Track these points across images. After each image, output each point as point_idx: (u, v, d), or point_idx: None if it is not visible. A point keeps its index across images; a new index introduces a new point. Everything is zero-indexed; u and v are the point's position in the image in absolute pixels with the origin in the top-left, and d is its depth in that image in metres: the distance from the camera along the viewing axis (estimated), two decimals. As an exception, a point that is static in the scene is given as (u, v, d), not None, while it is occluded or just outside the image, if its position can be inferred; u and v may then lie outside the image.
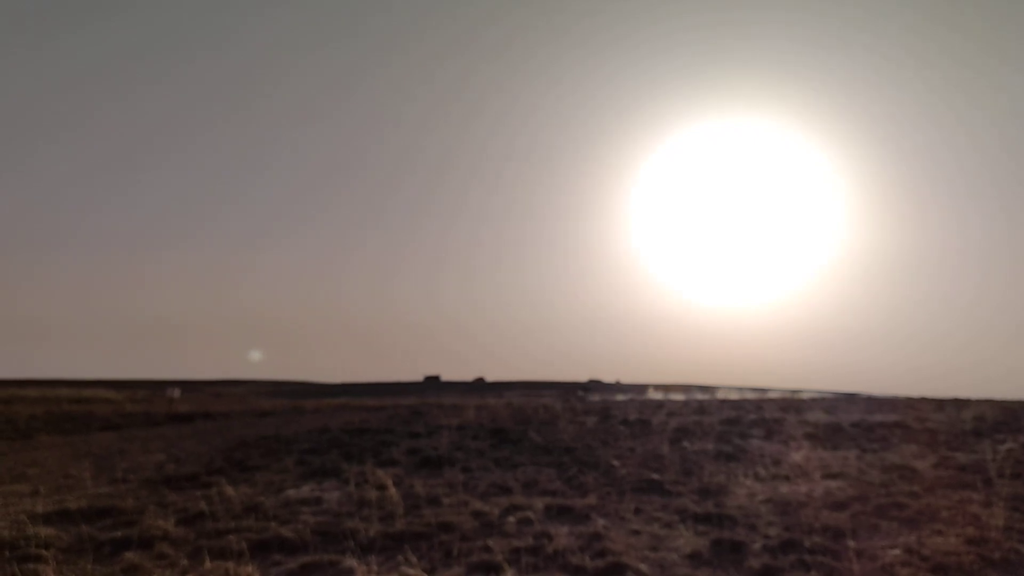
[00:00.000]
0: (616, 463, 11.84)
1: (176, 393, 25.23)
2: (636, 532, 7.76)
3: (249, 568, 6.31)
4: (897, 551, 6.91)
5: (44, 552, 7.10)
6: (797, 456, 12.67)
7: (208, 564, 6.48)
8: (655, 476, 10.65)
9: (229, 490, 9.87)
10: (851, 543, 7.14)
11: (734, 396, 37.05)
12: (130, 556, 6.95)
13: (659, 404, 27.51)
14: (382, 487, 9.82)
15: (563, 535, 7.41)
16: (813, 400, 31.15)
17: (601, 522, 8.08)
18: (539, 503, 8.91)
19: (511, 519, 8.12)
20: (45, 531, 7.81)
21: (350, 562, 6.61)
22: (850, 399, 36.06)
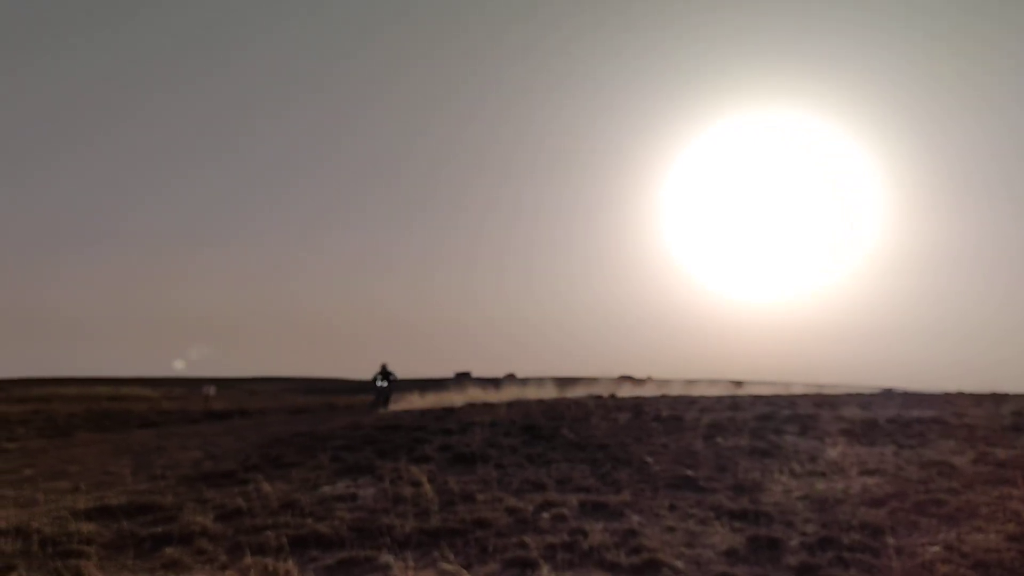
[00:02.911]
0: (649, 459, 11.81)
1: (212, 390, 25.59)
2: (671, 529, 7.74)
3: (288, 564, 6.39)
4: (937, 548, 6.83)
5: (86, 548, 7.23)
6: (833, 452, 12.53)
7: (248, 560, 6.56)
8: (689, 472, 10.61)
9: (266, 487, 9.98)
10: (890, 540, 7.06)
11: (767, 391, 36.49)
12: (170, 551, 7.06)
13: (691, 400, 27.32)
14: (416, 483, 9.88)
15: (598, 531, 7.40)
16: (848, 395, 30.76)
17: (636, 519, 8.07)
18: (573, 499, 8.91)
19: (545, 515, 8.14)
20: (87, 527, 7.96)
21: (386, 558, 6.67)
22: (886, 395, 35.55)
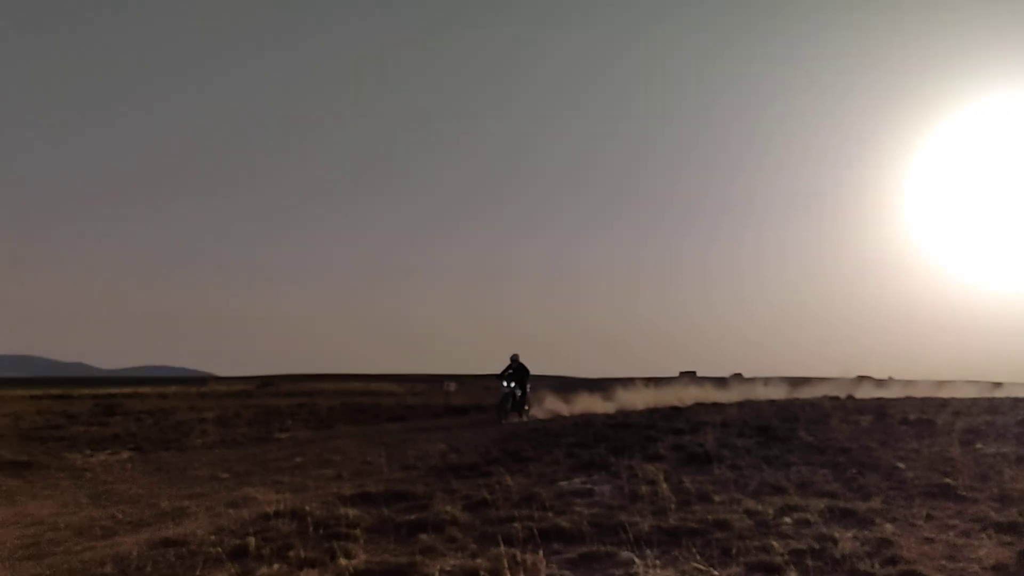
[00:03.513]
0: (900, 465, 11.09)
1: (452, 387, 26.84)
2: (929, 540, 7.25)
3: (537, 556, 6.67)
4: None
5: (352, 531, 7.93)
6: (1120, 462, 11.14)
7: (496, 549, 6.92)
8: (946, 480, 9.85)
9: (507, 480, 10.43)
10: None
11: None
12: (425, 538, 7.57)
13: (942, 402, 25.20)
14: (651, 482, 9.91)
15: (847, 539, 7.07)
16: None
17: (889, 527, 7.63)
18: (817, 504, 8.54)
19: (787, 520, 7.89)
20: (351, 512, 8.71)
21: (627, 554, 6.77)
22: None
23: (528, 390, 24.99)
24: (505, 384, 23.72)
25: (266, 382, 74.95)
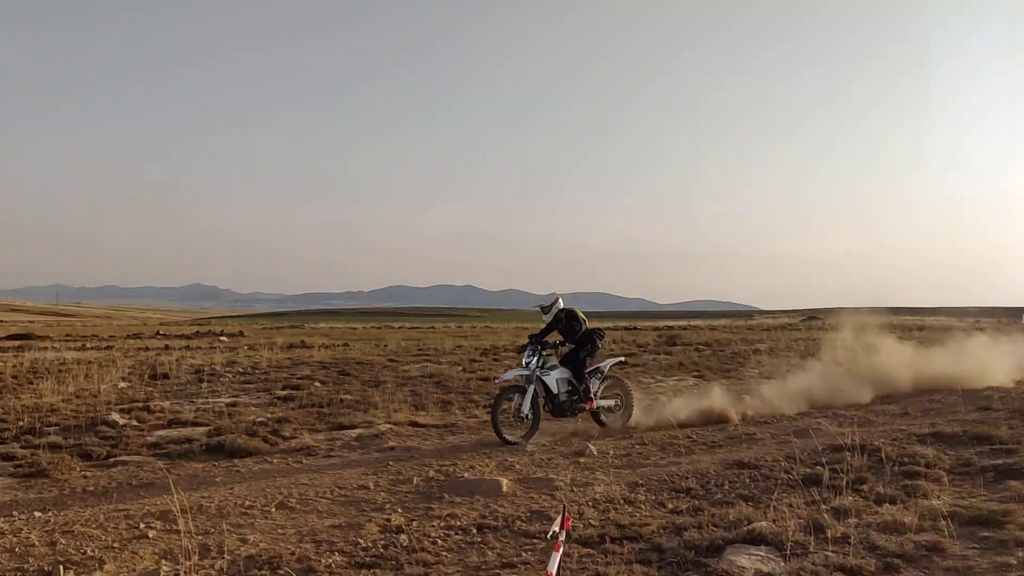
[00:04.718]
0: None
1: (1032, 319, 23.23)
2: None
3: None
4: None
5: (928, 471, 7.50)
6: None
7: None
8: None
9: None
10: None
11: None
12: (1017, 485, 6.84)
13: None
14: None
15: None
16: None
17: None
18: None
19: None
20: (928, 451, 8.27)
21: None
22: None
23: (591, 365, 11.53)
24: (527, 356, 11.12)
25: (811, 316, 74.24)
